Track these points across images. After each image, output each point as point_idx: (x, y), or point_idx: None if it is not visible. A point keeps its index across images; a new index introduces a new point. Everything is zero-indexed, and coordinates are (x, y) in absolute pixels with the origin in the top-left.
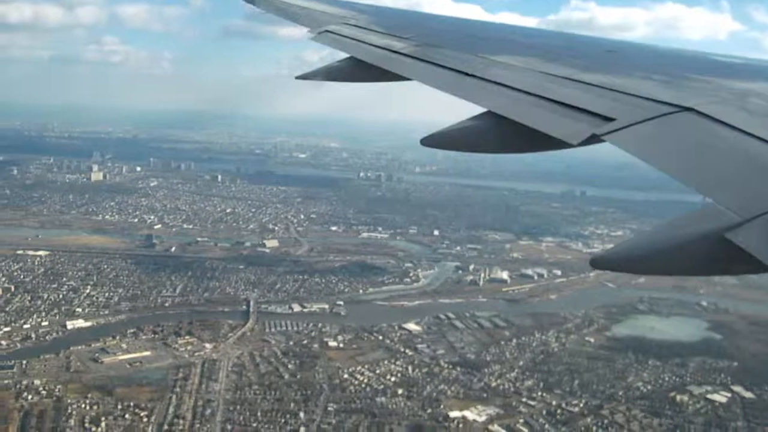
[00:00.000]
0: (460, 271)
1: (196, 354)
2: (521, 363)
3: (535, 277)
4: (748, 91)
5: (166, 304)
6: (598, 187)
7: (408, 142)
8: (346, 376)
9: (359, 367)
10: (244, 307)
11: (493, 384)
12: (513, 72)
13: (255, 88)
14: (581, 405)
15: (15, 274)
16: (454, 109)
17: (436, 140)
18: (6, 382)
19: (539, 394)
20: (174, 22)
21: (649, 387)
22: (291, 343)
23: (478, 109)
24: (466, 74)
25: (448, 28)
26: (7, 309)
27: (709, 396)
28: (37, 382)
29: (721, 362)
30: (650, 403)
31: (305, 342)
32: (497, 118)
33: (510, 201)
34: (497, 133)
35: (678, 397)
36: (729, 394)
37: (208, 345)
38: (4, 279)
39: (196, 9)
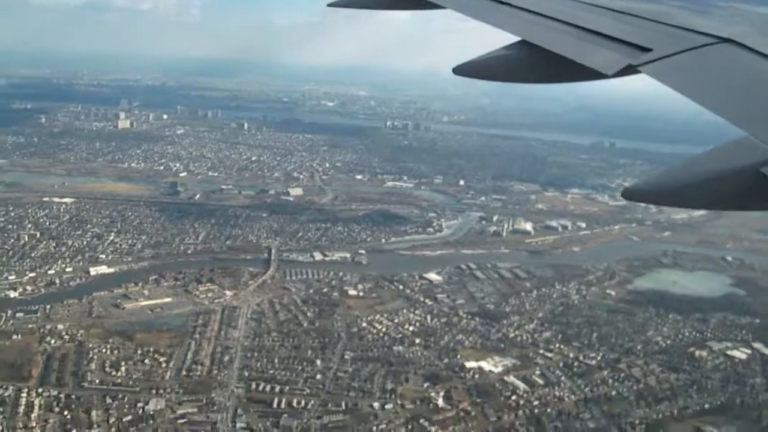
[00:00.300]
0: (483, 222)
1: (216, 301)
2: (540, 315)
3: (559, 229)
4: None
5: (189, 252)
6: (627, 138)
7: (437, 91)
8: (364, 324)
9: (378, 316)
10: (266, 255)
11: (511, 335)
12: (547, 0)
13: (285, 36)
14: (598, 358)
15: (41, 220)
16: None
17: (468, 69)
18: (30, 326)
19: (557, 346)
20: None
21: (668, 342)
22: (311, 291)
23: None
24: (500, 2)
25: None
26: (33, 255)
27: (728, 352)
28: (60, 326)
29: (743, 318)
30: (668, 357)
31: (325, 290)
32: (531, 47)
33: (537, 151)
34: (530, 63)
35: (697, 353)
36: (749, 351)
37: (228, 292)
38: (30, 225)
39: None
